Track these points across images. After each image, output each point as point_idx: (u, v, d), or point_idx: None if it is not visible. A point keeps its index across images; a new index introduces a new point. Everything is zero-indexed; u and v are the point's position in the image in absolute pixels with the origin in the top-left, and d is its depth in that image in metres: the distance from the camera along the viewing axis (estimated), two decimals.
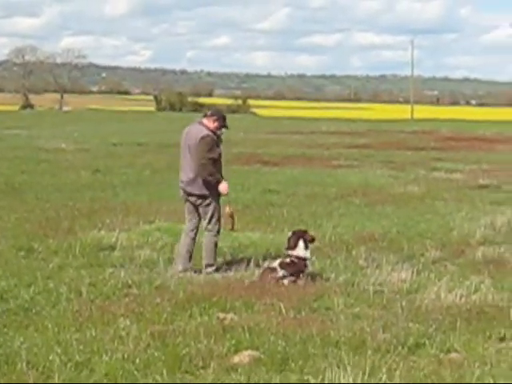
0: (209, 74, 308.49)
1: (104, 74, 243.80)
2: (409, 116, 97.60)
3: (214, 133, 10.78)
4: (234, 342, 7.42)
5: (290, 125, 64.83)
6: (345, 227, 14.29)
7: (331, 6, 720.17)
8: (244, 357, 7.06)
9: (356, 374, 6.57)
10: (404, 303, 9.03)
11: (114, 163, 26.68)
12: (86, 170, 24.09)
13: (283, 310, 8.58)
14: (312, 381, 6.51)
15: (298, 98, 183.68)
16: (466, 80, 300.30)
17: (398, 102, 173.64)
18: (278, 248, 11.36)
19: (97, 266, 10.89)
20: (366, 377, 6.55)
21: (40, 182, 20.80)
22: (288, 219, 15.01)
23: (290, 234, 10.66)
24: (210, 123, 10.81)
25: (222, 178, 10.78)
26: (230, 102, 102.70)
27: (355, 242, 12.76)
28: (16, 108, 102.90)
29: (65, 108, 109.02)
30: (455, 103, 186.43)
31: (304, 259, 10.29)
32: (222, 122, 10.91)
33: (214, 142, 10.70)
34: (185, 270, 10.68)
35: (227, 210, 10.85)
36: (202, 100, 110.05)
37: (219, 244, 11.10)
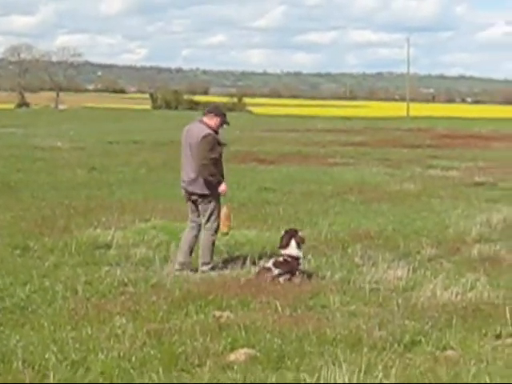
0: (204, 72, 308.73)
1: (100, 73, 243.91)
2: (405, 114, 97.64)
3: (215, 131, 10.78)
4: (230, 340, 7.42)
5: (286, 123, 64.87)
6: (341, 225, 14.29)
7: (327, 4, 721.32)
8: (240, 355, 7.06)
9: (352, 372, 6.57)
10: (400, 301, 9.03)
11: (110, 161, 26.65)
12: (81, 168, 24.06)
13: (279, 308, 8.58)
14: (308, 378, 6.51)
15: (294, 96, 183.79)
16: (462, 78, 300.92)
17: (393, 99, 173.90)
18: (274, 246, 11.35)
19: (93, 264, 10.88)
20: (361, 374, 6.55)
21: (36, 180, 20.77)
22: (284, 217, 15.01)
23: (283, 232, 10.70)
24: (211, 121, 10.80)
25: (223, 177, 10.81)
26: (225, 100, 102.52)
27: (351, 240, 12.76)
28: (12, 106, 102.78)
29: (60, 106, 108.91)
30: (451, 101, 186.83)
31: (297, 258, 10.30)
32: (222, 118, 10.90)
33: (215, 141, 10.69)
34: (185, 263, 10.74)
35: (225, 210, 10.84)
36: (198, 98, 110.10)
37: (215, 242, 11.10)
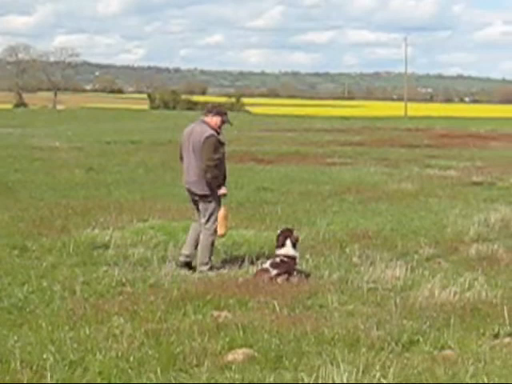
0: (202, 72, 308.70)
1: (97, 73, 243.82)
2: (402, 113, 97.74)
3: (217, 131, 10.77)
4: (227, 340, 7.42)
5: (284, 122, 64.90)
6: (338, 224, 14.29)
7: (325, 4, 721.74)
8: (238, 355, 7.06)
9: (350, 372, 6.56)
10: (398, 300, 9.03)
11: (108, 161, 26.64)
12: (79, 168, 24.05)
13: (277, 308, 8.57)
14: (306, 378, 6.51)
15: (292, 96, 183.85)
16: (460, 77, 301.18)
17: (391, 99, 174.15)
18: (271, 246, 11.34)
19: (91, 264, 10.88)
20: (359, 374, 6.55)
21: (34, 180, 20.75)
22: (282, 217, 15.01)
23: (278, 231, 10.72)
24: (212, 120, 10.81)
25: (225, 177, 10.83)
26: (223, 99, 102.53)
27: (349, 240, 12.76)
28: (9, 106, 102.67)
29: (58, 106, 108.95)
30: (449, 100, 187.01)
31: (293, 258, 10.31)
32: (223, 117, 10.90)
33: (218, 141, 10.69)
34: (189, 255, 10.80)
35: (223, 211, 10.83)
36: (196, 98, 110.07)
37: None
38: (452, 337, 7.78)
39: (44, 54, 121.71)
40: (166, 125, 53.55)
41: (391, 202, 17.79)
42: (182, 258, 10.86)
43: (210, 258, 10.82)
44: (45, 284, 9.52)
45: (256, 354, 7.09)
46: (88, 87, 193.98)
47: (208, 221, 10.80)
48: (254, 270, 10.43)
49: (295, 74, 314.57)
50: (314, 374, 6.57)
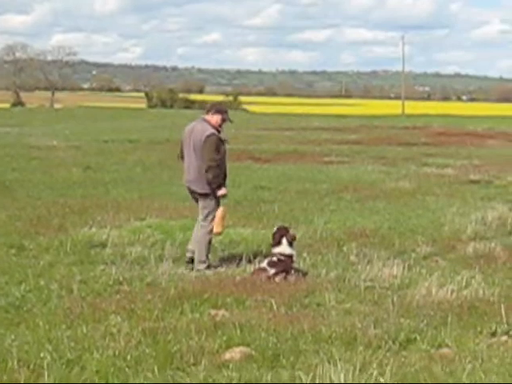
0: (200, 70, 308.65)
1: (95, 71, 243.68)
2: (400, 112, 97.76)
3: (217, 129, 10.77)
4: (225, 338, 7.42)
5: (281, 121, 64.88)
6: (336, 223, 14.29)
7: (322, 2, 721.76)
8: (235, 353, 7.06)
9: (347, 370, 6.56)
10: (395, 299, 9.04)
11: (105, 160, 26.62)
12: (77, 167, 24.03)
13: (274, 307, 8.58)
14: (303, 377, 6.51)
15: (289, 95, 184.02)
16: (457, 75, 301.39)
17: (389, 97, 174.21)
18: (269, 244, 11.34)
19: (88, 263, 10.88)
20: (357, 372, 6.55)
21: (31, 179, 20.73)
22: (279, 215, 15.01)
23: (274, 229, 10.71)
24: (212, 118, 10.80)
25: (226, 176, 10.83)
26: (221, 98, 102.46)
27: (346, 238, 12.77)
28: (7, 105, 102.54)
29: (56, 105, 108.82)
30: (446, 99, 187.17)
31: (290, 256, 10.30)
32: (223, 114, 10.89)
33: (219, 140, 10.69)
34: (194, 251, 10.79)
35: (221, 210, 10.83)
36: (193, 97, 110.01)
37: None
38: (449, 335, 7.78)
39: (41, 52, 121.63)
40: (163, 123, 53.54)
41: (388, 200, 17.79)
42: (188, 254, 10.88)
43: (207, 257, 10.82)
44: (42, 283, 9.52)
45: (253, 352, 7.10)
46: (85, 86, 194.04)
47: (206, 219, 10.81)
48: (252, 269, 10.43)
49: (292, 73, 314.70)
50: (311, 373, 6.57)
